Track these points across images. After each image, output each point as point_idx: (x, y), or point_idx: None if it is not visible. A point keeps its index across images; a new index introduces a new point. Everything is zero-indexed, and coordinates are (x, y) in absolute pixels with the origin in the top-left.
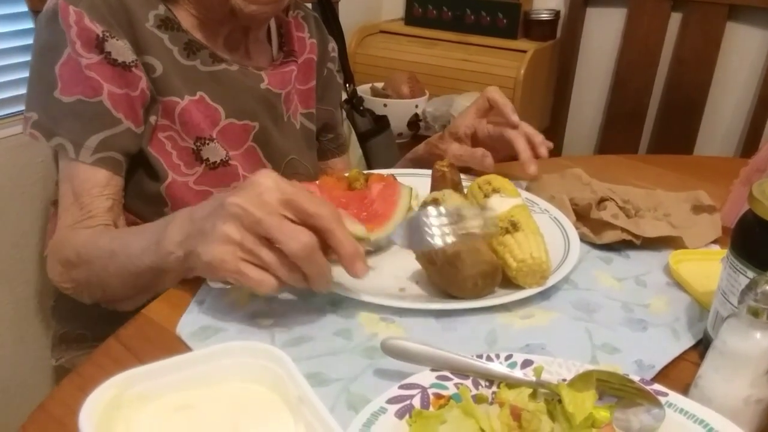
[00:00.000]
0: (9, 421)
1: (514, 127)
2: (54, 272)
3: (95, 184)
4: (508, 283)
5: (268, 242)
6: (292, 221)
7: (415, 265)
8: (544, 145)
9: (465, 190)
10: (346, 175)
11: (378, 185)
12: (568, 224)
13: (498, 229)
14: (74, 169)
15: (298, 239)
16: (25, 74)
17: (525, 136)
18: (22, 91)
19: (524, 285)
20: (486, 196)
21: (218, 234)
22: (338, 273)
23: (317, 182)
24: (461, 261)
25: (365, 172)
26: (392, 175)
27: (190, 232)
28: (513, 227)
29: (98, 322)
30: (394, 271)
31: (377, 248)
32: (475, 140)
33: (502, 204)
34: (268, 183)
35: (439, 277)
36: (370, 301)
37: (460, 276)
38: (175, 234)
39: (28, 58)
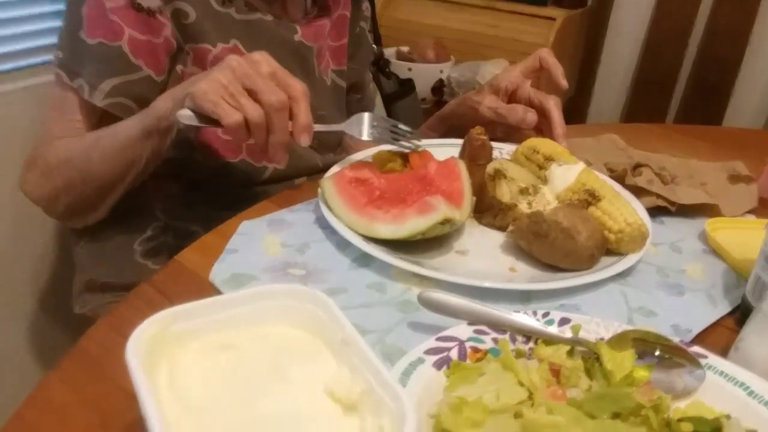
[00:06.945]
0: (34, 367)
1: (562, 90)
2: (29, 185)
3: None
4: None
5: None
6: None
7: (510, 243)
8: (564, 138)
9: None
10: (371, 156)
11: (433, 163)
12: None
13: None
14: (83, 107)
15: (277, 93)
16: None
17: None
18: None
19: (627, 252)
20: (541, 167)
21: (211, 77)
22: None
23: (371, 158)
24: (578, 232)
25: (394, 150)
26: (425, 149)
27: (183, 86)
28: (593, 197)
29: (125, 270)
30: (494, 252)
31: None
32: (512, 99)
33: (566, 174)
34: (259, 56)
35: (551, 250)
36: (402, 266)
37: (577, 247)
38: (166, 97)
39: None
